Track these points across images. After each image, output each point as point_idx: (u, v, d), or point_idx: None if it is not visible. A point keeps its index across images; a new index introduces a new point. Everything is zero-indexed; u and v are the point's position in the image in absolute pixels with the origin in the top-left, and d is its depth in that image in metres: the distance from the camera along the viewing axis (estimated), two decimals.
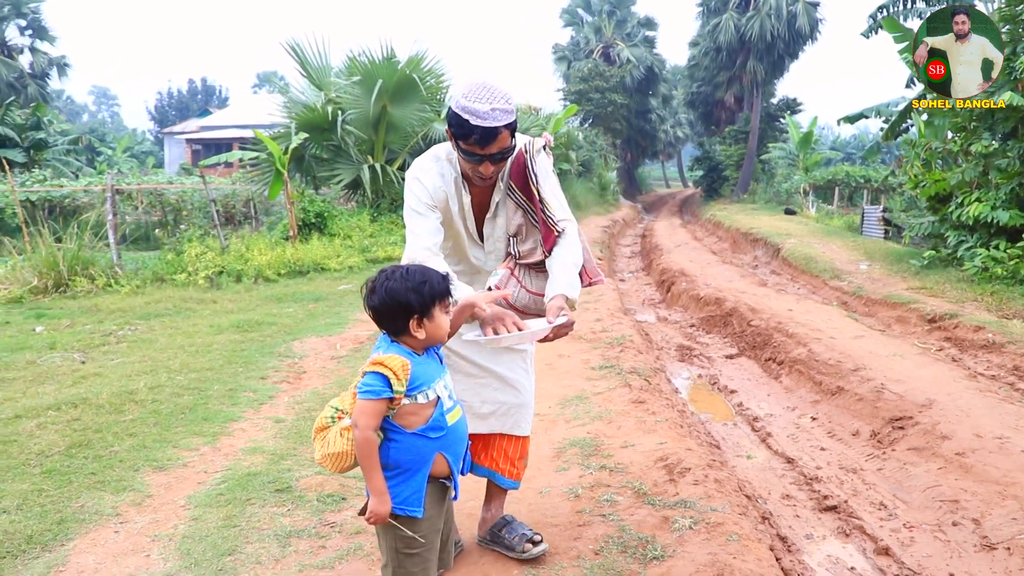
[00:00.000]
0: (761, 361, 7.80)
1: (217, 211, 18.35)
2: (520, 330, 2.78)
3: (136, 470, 4.50)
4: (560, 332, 2.87)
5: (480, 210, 3.28)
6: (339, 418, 2.48)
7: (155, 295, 10.86)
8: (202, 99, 73.41)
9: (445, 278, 2.51)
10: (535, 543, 3.35)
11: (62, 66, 47.28)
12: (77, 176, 26.94)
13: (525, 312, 3.21)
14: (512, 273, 3.23)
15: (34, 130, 27.29)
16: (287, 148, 15.00)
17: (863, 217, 21.21)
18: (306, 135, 15.68)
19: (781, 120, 41.01)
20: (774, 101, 43.52)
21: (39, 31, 46.50)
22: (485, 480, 3.51)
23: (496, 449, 3.42)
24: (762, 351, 7.96)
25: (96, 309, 9.95)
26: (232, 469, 4.49)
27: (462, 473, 2.65)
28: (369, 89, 16.17)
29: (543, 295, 3.14)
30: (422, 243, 3.07)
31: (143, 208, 19.14)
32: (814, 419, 6.11)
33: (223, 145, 42.58)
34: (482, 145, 2.90)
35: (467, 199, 3.20)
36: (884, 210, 20.50)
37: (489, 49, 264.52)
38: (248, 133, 14.88)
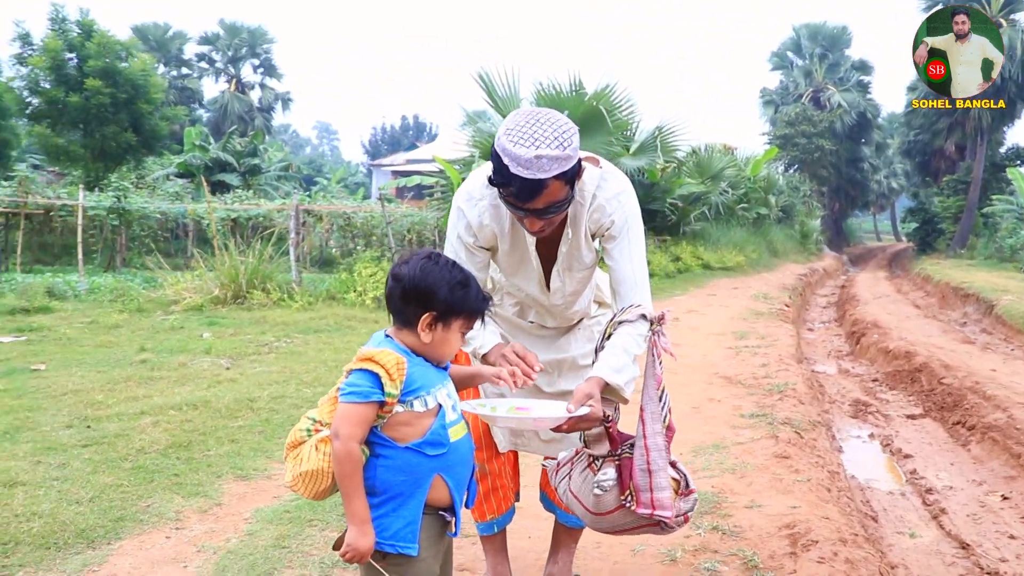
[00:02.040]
0: (948, 424, 6.71)
1: (411, 238, 18.79)
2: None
3: (219, 476, 4.30)
4: (578, 426, 2.25)
5: (548, 253, 2.64)
6: (316, 430, 2.03)
7: (322, 312, 10.99)
8: (413, 134, 76.71)
9: (485, 300, 2.11)
10: None
11: (286, 101, 51.03)
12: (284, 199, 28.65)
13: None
14: (572, 459, 2.54)
15: (250, 157, 29.28)
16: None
17: None
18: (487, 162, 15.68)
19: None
20: (1002, 150, 39.85)
21: (269, 69, 50.53)
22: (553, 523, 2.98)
23: None
24: (951, 413, 6.86)
25: (263, 321, 10.18)
26: None
27: (466, 505, 2.16)
28: None
29: (582, 502, 2.47)
30: None
31: (337, 232, 19.86)
32: (1006, 498, 5.08)
33: (428, 176, 44.04)
34: (522, 200, 2.28)
35: (531, 240, 2.58)
36: None
37: (688, 87, 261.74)
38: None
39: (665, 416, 2.41)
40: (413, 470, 1.99)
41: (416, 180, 18.09)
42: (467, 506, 2.16)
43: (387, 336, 2.07)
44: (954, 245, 36.55)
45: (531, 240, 2.58)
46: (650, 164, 18.14)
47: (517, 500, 3.00)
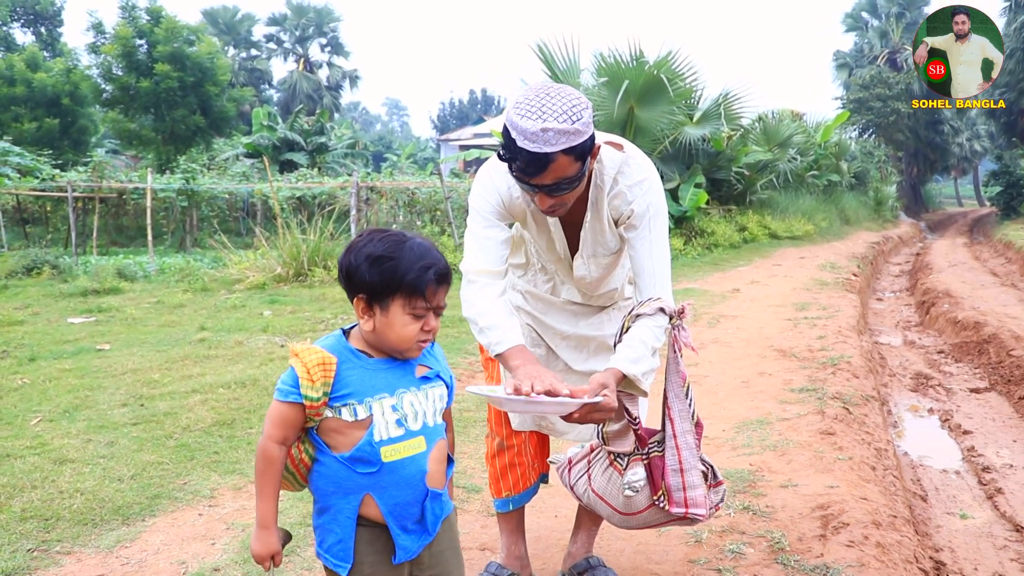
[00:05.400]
0: (1014, 399, 6.42)
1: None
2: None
3: None
4: (590, 416, 2.16)
5: (574, 238, 2.60)
6: None
7: None
8: (481, 108, 76.51)
9: (428, 269, 1.78)
10: None
11: (353, 78, 51.50)
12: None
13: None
14: (588, 456, 2.52)
15: (317, 135, 29.61)
16: None
17: None
18: None
19: None
20: None
21: (336, 47, 51.01)
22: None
23: None
24: (1017, 387, 6.55)
25: (323, 298, 10.31)
26: None
27: (429, 534, 1.90)
28: (615, 90, 15.76)
29: (609, 503, 2.46)
30: (485, 263, 2.47)
31: (402, 208, 19.92)
32: None
33: (491, 150, 44.02)
34: (529, 174, 2.20)
35: (554, 221, 2.54)
36: None
37: (756, 52, 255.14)
38: None
39: (693, 413, 2.37)
40: (341, 483, 1.82)
41: (476, 154, 18.06)
42: (430, 533, 1.90)
43: (344, 329, 1.90)
44: None
45: (554, 221, 2.54)
46: (714, 132, 17.79)
47: (544, 482, 2.97)
